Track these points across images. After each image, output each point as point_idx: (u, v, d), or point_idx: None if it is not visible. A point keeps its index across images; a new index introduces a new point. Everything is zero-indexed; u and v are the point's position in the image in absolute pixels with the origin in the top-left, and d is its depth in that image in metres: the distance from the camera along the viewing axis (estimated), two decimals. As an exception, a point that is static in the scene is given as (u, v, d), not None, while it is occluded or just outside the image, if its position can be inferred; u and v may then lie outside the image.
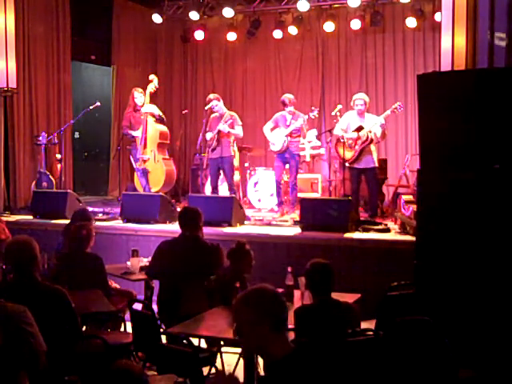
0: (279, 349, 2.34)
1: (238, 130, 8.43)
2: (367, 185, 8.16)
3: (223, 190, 9.19)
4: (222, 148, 8.43)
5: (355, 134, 7.98)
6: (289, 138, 8.35)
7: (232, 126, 8.38)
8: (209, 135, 8.52)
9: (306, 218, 7.00)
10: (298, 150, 8.57)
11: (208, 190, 9.29)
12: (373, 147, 8.05)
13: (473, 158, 4.05)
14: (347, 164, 8.19)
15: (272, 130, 8.53)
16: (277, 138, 8.44)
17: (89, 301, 4.42)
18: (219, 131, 8.37)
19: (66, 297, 3.66)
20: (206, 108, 9.01)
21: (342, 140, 8.10)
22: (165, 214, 7.45)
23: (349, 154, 8.08)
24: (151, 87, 9.04)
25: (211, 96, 8.64)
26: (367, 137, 7.94)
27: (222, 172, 8.65)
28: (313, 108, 8.74)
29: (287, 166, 8.60)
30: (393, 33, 11.14)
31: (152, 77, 9.16)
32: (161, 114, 9.09)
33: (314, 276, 3.84)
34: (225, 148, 8.45)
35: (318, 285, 3.83)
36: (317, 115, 8.79)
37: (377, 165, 8.17)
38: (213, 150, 8.48)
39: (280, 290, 4.54)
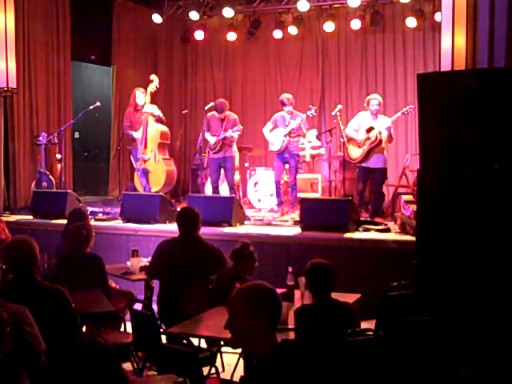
0: (264, 347, 2.35)
1: (236, 133, 8.52)
2: (373, 185, 8.17)
3: (223, 190, 9.18)
4: (225, 149, 8.53)
5: (364, 136, 7.99)
6: (288, 137, 8.35)
7: (233, 130, 8.44)
8: (211, 139, 8.54)
9: (306, 218, 6.99)
10: (298, 150, 8.57)
11: (208, 190, 9.29)
12: (383, 148, 8.05)
13: (473, 158, 4.05)
14: (355, 163, 8.22)
15: (271, 130, 8.54)
16: (276, 138, 8.44)
17: (89, 301, 4.42)
18: (225, 136, 8.42)
19: (66, 297, 3.65)
20: (206, 108, 9.03)
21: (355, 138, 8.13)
22: (165, 213, 7.45)
23: (357, 154, 8.08)
24: (152, 87, 9.03)
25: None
26: (376, 137, 7.95)
27: (222, 171, 8.69)
28: (310, 106, 8.71)
29: (287, 166, 8.60)
30: (393, 33, 11.13)
31: (153, 77, 9.15)
32: (161, 114, 9.08)
33: (314, 276, 3.84)
34: (228, 148, 8.55)
35: (317, 285, 3.83)
36: (315, 113, 8.76)
37: (386, 166, 8.18)
38: (215, 152, 8.54)
39: (279, 290, 4.57)
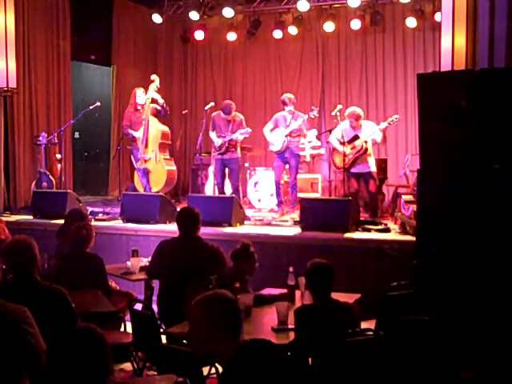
0: (227, 355, 2.35)
1: (243, 136, 8.55)
2: (366, 186, 8.17)
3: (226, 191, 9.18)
4: (231, 150, 8.54)
5: (349, 148, 7.98)
6: (288, 137, 8.35)
7: (241, 133, 8.49)
8: (217, 140, 8.52)
9: (305, 218, 6.99)
10: (298, 150, 8.57)
11: (208, 190, 9.28)
12: (368, 156, 8.04)
13: (473, 157, 4.04)
14: (342, 169, 8.20)
15: (272, 130, 8.54)
16: (276, 138, 8.44)
17: (89, 301, 4.42)
18: (231, 138, 8.42)
19: (66, 297, 3.65)
20: (206, 108, 9.02)
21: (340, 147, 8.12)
22: (165, 214, 7.44)
23: (343, 162, 8.05)
24: (153, 87, 9.00)
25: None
26: (361, 146, 7.95)
27: (227, 172, 8.71)
28: (313, 107, 8.73)
29: (287, 166, 8.60)
30: (393, 33, 11.14)
31: (154, 76, 9.12)
32: (164, 103, 9.06)
33: (314, 276, 3.84)
34: (234, 150, 8.57)
35: (317, 285, 3.83)
36: (317, 115, 8.76)
37: (374, 170, 8.14)
38: (221, 153, 8.53)
39: (279, 291, 4.57)
